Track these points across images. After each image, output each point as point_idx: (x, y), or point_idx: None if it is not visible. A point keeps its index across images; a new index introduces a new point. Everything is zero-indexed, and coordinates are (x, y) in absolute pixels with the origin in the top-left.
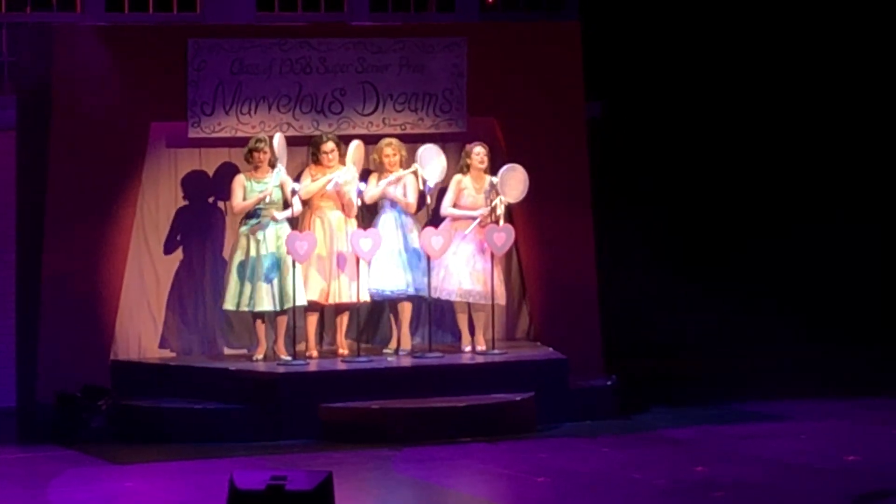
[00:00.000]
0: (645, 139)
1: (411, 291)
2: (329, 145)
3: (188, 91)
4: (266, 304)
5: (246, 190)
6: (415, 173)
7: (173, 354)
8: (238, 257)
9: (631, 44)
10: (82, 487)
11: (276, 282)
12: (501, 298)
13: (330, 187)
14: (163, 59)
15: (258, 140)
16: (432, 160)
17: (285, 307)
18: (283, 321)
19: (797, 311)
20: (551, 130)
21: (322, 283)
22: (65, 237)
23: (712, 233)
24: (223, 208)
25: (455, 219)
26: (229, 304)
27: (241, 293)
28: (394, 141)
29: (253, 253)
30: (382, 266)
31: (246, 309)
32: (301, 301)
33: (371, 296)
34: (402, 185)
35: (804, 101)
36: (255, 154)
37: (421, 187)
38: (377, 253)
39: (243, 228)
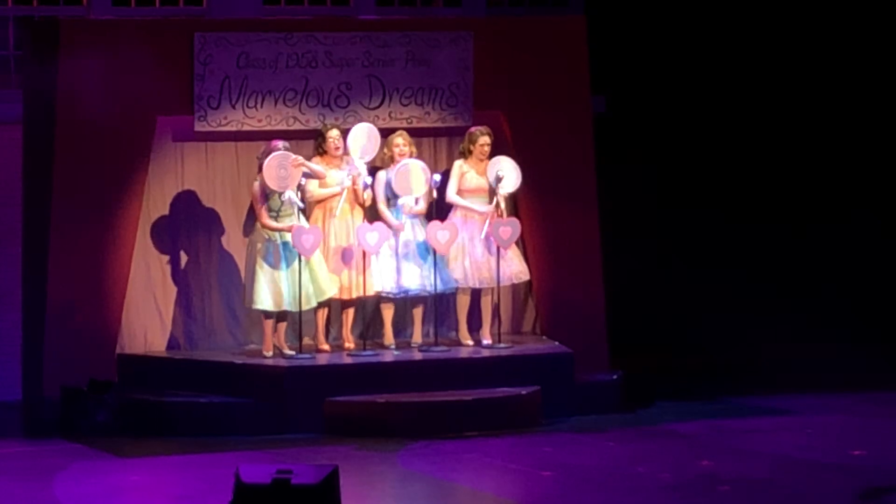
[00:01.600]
0: (648, 134)
1: (432, 289)
2: (335, 132)
3: (194, 85)
4: (311, 301)
5: (267, 196)
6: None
7: (179, 348)
8: (262, 256)
9: (634, 39)
10: (88, 481)
11: (307, 277)
12: (525, 274)
13: (342, 192)
14: (169, 54)
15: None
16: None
17: (320, 300)
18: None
19: (803, 306)
20: (557, 124)
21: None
22: (71, 231)
23: (716, 229)
24: (229, 202)
25: (460, 207)
26: (264, 305)
27: (275, 292)
28: (405, 133)
29: (277, 251)
30: (403, 264)
31: (290, 308)
32: (332, 292)
33: (392, 294)
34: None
35: (810, 96)
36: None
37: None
38: (399, 251)
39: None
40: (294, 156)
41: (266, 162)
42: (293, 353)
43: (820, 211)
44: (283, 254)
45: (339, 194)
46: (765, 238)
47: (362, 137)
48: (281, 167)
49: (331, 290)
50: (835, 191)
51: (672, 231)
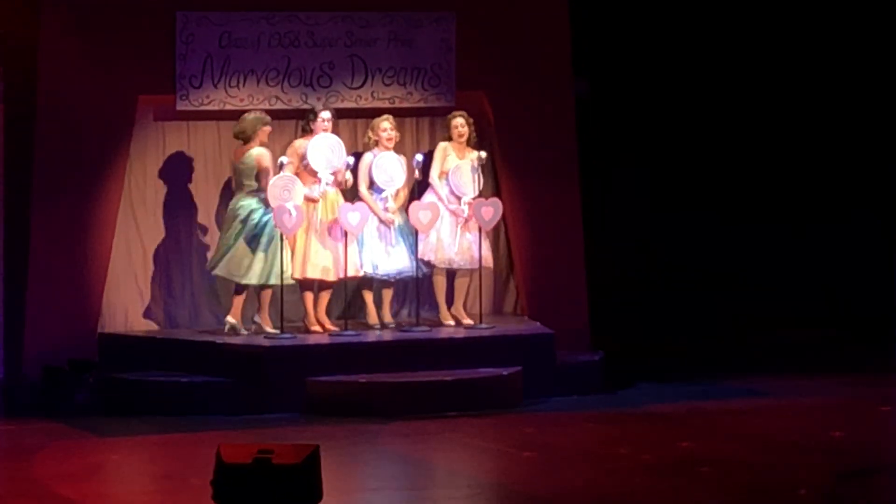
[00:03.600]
0: (630, 118)
1: (415, 271)
2: (327, 113)
3: (176, 64)
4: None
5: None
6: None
7: (160, 327)
8: (248, 229)
9: (617, 21)
10: (68, 460)
11: (273, 257)
12: (488, 262)
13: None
14: (151, 32)
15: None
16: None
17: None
18: (268, 294)
19: (802, 305)
20: (539, 104)
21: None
22: (52, 210)
23: (711, 230)
24: (210, 182)
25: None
26: (255, 279)
27: (263, 266)
28: (391, 117)
29: (261, 225)
30: (390, 247)
31: (273, 282)
32: (288, 281)
33: (382, 276)
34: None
35: (810, 93)
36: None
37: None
38: (385, 233)
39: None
40: (298, 181)
41: (272, 181)
42: (276, 331)
43: (820, 211)
44: (269, 229)
45: (315, 201)
46: (743, 226)
47: (325, 150)
48: (284, 189)
49: (310, 271)
50: (835, 191)
51: (664, 232)
